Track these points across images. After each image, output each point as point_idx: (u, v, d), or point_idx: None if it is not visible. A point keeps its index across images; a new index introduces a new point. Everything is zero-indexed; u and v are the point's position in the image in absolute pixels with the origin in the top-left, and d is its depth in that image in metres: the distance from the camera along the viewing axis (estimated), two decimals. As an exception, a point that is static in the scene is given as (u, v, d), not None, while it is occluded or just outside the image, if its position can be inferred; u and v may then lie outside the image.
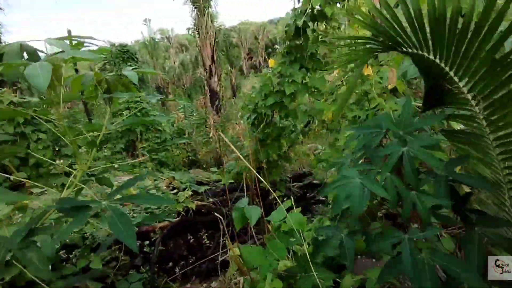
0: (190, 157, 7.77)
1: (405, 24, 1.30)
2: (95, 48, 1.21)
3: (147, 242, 2.57)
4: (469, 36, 1.13)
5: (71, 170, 1.15)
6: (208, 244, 2.98)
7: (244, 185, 2.05)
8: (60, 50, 0.94)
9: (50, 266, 1.03)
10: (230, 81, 26.63)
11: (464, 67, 1.17)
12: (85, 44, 1.04)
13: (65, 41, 0.96)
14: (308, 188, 5.77)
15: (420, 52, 1.33)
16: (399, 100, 1.85)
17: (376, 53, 1.51)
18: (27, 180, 1.37)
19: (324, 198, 5.78)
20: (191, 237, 2.93)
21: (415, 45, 1.33)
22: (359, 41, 1.46)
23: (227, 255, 3.47)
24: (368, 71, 2.89)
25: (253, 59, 35.71)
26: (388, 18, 1.29)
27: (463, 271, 0.99)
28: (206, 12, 16.42)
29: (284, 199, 4.81)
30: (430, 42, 1.24)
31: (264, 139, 4.26)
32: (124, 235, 0.80)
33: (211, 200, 3.70)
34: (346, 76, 3.38)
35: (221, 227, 3.22)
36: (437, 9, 1.13)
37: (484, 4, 1.04)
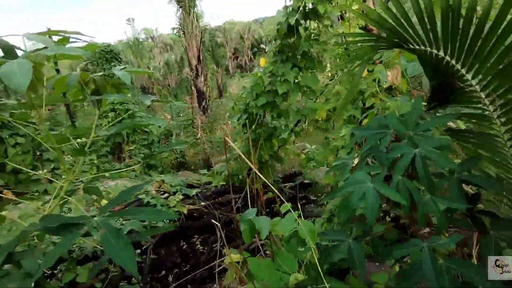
0: (178, 159, 7.61)
1: (414, 20, 1.24)
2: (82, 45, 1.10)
3: (138, 250, 2.44)
4: (484, 34, 1.08)
5: (54, 180, 1.03)
6: (201, 250, 2.87)
7: (249, 188, 1.95)
8: (42, 46, 0.83)
9: (33, 284, 0.91)
10: (216, 81, 26.40)
11: (478, 65, 1.13)
12: (70, 41, 0.93)
13: (49, 36, 0.85)
14: (300, 188, 5.73)
15: (429, 49, 1.27)
16: (399, 99, 1.80)
17: (381, 50, 1.46)
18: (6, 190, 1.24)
19: (315, 198, 5.76)
20: (184, 243, 2.82)
21: (424, 42, 1.27)
22: (363, 38, 1.40)
23: (221, 259, 3.37)
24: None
25: (238, 59, 35.59)
26: (396, 14, 1.23)
27: (482, 277, 0.94)
28: (192, 11, 16.20)
29: (278, 200, 4.75)
30: (440, 39, 1.18)
31: (255, 140, 4.18)
32: (122, 257, 0.69)
33: (203, 203, 3.59)
34: (339, 75, 3.34)
35: (218, 233, 3.13)
36: (452, 4, 1.08)
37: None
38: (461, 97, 1.27)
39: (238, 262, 2.05)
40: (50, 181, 4.71)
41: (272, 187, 1.32)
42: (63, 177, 1.11)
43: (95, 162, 5.47)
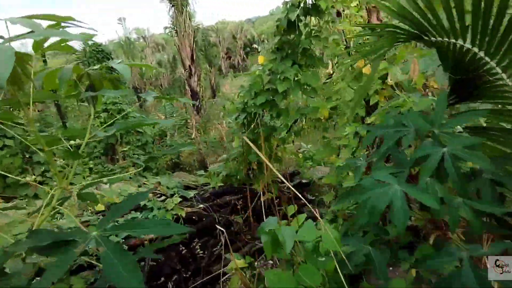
0: (173, 160, 7.46)
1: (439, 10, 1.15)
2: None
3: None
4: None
5: (42, 187, 0.91)
6: (201, 254, 2.76)
7: (265, 189, 1.85)
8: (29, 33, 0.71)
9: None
10: (209, 81, 26.23)
11: (510, 58, 1.04)
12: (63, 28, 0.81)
13: (37, 21, 0.73)
14: (298, 188, 5.64)
15: (453, 40, 1.18)
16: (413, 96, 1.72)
17: (398, 43, 1.36)
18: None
19: (313, 198, 5.68)
20: (183, 247, 2.70)
21: (448, 33, 1.18)
22: (381, 29, 1.31)
23: (223, 263, 3.26)
24: (366, 67, 2.77)
25: (231, 59, 35.46)
26: (419, 4, 1.14)
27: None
28: (184, 10, 16.04)
29: (276, 201, 4.65)
30: (468, 30, 1.10)
31: (254, 140, 4.07)
32: (128, 281, 0.58)
33: (201, 206, 3.47)
34: (342, 72, 3.25)
35: (222, 239, 3.02)
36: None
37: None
38: (488, 91, 1.19)
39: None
40: (41, 183, 4.53)
41: (292, 189, 1.22)
42: (55, 183, 0.99)
43: (88, 164, 5.29)
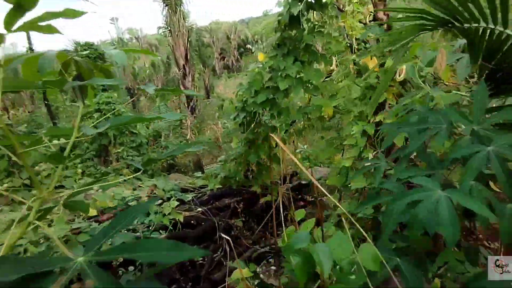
0: (168, 161, 7.28)
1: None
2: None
3: (132, 267, 2.15)
4: None
5: (22, 199, 0.75)
6: (201, 262, 2.60)
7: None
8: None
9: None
10: (203, 81, 26.05)
11: None
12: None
13: None
14: (298, 190, 5.52)
15: (492, 26, 1.06)
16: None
17: (424, 31, 1.23)
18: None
19: (312, 199, 5.56)
20: (182, 255, 2.54)
21: (486, 19, 1.05)
22: (408, 14, 1.17)
23: (218, 270, 3.10)
24: (372, 62, 2.66)
25: (225, 59, 35.32)
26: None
27: None
28: (178, 10, 15.86)
29: (276, 203, 4.51)
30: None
31: (254, 140, 3.93)
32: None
33: (199, 209, 3.32)
34: (346, 69, 3.13)
35: (223, 244, 2.87)
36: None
37: None
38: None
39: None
40: (28, 186, 4.32)
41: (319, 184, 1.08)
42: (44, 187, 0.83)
43: (79, 166, 5.07)
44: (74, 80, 0.80)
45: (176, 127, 9.78)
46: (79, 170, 5.20)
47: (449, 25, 1.15)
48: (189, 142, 9.92)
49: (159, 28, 18.08)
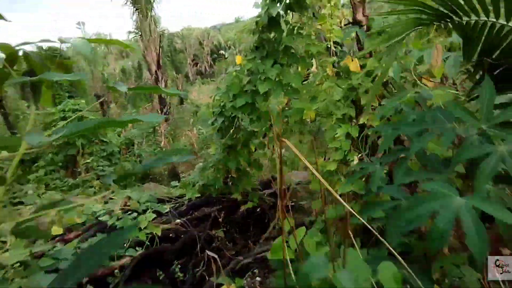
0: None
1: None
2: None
3: (104, 290, 1.94)
4: None
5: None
6: (182, 278, 2.42)
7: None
8: None
9: None
10: (176, 87, 25.62)
11: None
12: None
13: None
14: (277, 195, 5.41)
15: (494, 20, 1.00)
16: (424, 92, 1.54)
17: (420, 26, 1.17)
18: None
19: (292, 204, 5.48)
20: (161, 271, 2.35)
21: (487, 12, 1.00)
22: (405, 8, 1.10)
23: (200, 286, 2.92)
24: (353, 64, 2.62)
25: (198, 65, 35.02)
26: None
27: None
28: (149, 14, 15.51)
29: (258, 210, 4.39)
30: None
31: (233, 145, 3.80)
32: None
33: (178, 221, 3.12)
34: (324, 72, 3.09)
35: (204, 257, 2.69)
36: None
37: None
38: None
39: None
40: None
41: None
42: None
43: (43, 179, 4.66)
44: (25, 75, 0.64)
45: (149, 134, 9.42)
46: (46, 181, 4.80)
47: (446, 19, 1.10)
48: (164, 149, 9.60)
49: (129, 33, 17.57)
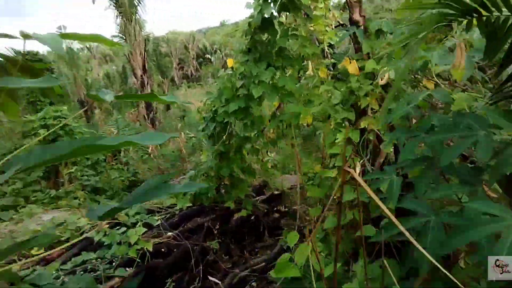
0: (130, 178, 6.71)
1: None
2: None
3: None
4: None
5: None
6: (176, 298, 2.25)
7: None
8: None
9: None
10: (162, 91, 25.26)
11: None
12: None
13: None
14: (271, 201, 5.31)
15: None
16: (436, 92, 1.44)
17: (445, 22, 1.07)
18: None
19: (286, 210, 5.37)
20: (153, 291, 2.18)
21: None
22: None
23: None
24: (352, 66, 2.53)
25: (184, 69, 34.74)
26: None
27: None
28: (133, 18, 15.21)
29: (252, 217, 4.24)
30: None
31: (225, 152, 3.65)
32: None
33: (170, 234, 2.95)
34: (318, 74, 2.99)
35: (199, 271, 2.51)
36: None
37: None
38: None
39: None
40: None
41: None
42: None
43: (22, 191, 4.36)
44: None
45: (136, 141, 9.13)
46: (24, 193, 4.51)
47: (474, 14, 0.99)
48: (151, 155, 9.35)
49: (113, 37, 17.19)
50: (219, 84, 3.34)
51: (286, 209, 5.37)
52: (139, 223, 2.73)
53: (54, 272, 1.86)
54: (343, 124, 2.50)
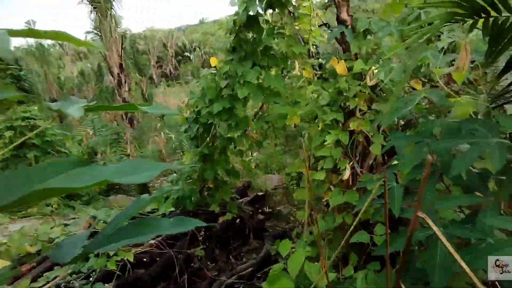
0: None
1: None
2: None
3: None
4: None
5: None
6: (161, 311, 2.12)
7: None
8: None
9: None
10: (141, 90, 24.59)
11: None
12: None
13: None
14: (255, 202, 5.24)
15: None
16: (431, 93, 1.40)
17: (451, 22, 1.01)
18: None
19: (270, 210, 5.31)
20: (135, 306, 2.04)
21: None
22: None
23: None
24: (340, 66, 2.48)
25: (163, 67, 34.03)
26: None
27: None
28: (109, 13, 14.64)
29: (237, 221, 4.14)
30: None
31: (210, 154, 3.53)
32: None
33: (152, 242, 2.80)
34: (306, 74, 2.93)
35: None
36: None
37: None
38: None
39: None
40: None
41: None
42: None
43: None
44: None
45: (113, 142, 8.80)
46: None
47: (483, 14, 0.94)
48: (130, 156, 9.04)
49: (87, 33, 16.50)
50: (202, 83, 3.21)
51: (270, 210, 5.31)
52: (118, 232, 2.56)
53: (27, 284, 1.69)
54: (332, 126, 2.44)
